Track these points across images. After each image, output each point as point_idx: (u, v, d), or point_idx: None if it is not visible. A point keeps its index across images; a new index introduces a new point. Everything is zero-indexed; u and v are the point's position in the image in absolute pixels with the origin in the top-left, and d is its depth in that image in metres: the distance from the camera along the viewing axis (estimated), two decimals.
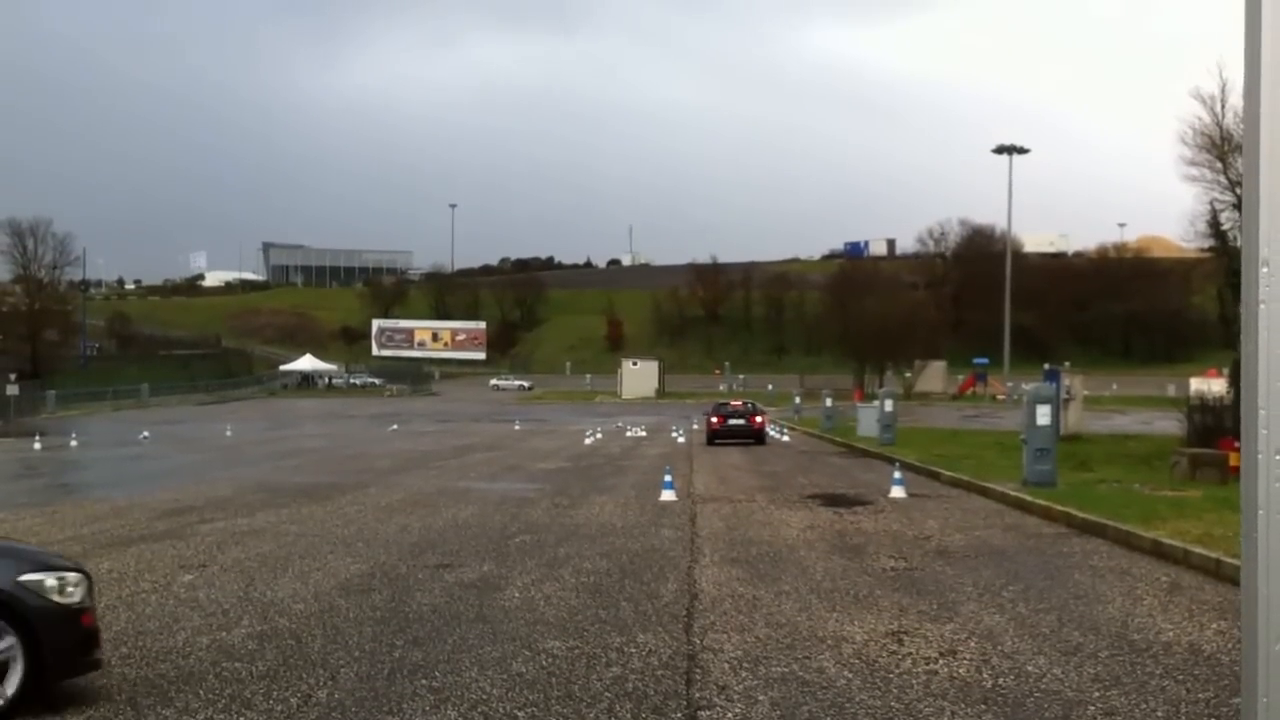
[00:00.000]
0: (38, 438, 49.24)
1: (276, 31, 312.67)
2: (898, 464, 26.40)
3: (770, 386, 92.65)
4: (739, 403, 47.88)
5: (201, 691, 8.57)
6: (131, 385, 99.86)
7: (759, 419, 44.16)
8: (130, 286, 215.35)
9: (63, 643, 8.04)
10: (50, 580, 8.14)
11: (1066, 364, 76.07)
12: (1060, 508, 18.56)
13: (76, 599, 8.24)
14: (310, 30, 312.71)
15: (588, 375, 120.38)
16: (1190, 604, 11.63)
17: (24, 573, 8.06)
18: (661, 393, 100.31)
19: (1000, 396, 79.95)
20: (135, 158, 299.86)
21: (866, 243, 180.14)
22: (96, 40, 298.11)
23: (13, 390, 75.72)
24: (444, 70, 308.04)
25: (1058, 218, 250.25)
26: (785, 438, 45.50)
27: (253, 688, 8.65)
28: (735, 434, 43.11)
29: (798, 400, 65.80)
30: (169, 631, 10.72)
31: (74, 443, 48.54)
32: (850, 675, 8.76)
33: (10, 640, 7.82)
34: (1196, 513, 17.26)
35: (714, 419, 44.39)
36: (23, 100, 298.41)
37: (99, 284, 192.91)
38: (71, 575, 8.30)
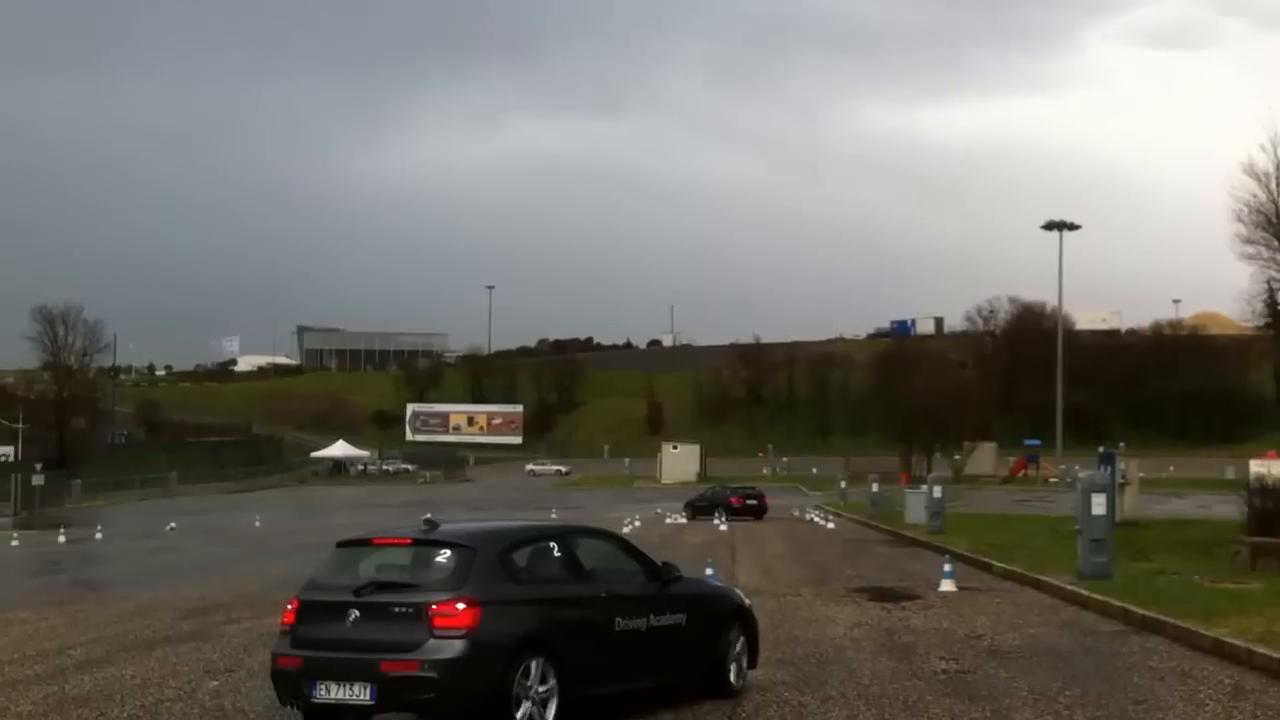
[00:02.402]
0: (62, 530, 49.14)
1: (313, 121, 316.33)
2: (947, 555, 25.64)
3: (815, 469, 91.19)
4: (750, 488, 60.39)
5: None
6: (159, 473, 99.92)
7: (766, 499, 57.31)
8: (161, 372, 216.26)
9: None
10: None
11: (1121, 445, 75.12)
12: (1118, 603, 17.86)
13: None
14: (345, 116, 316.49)
15: (627, 459, 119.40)
16: (1254, 709, 11.13)
17: None
18: (703, 476, 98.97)
19: (1053, 479, 78.39)
20: (167, 244, 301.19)
21: (913, 321, 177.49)
22: (127, 128, 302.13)
23: (38, 480, 75.72)
24: (484, 151, 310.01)
25: (1110, 294, 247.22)
26: (830, 524, 44.81)
27: None
28: (748, 510, 54.63)
29: (843, 484, 64.59)
30: None
31: (99, 535, 48.40)
32: None
33: None
34: (1258, 607, 16.64)
35: (733, 499, 55.93)
36: (53, 185, 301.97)
37: (129, 370, 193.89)
38: None
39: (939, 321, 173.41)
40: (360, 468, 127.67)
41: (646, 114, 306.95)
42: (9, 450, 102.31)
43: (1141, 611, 16.89)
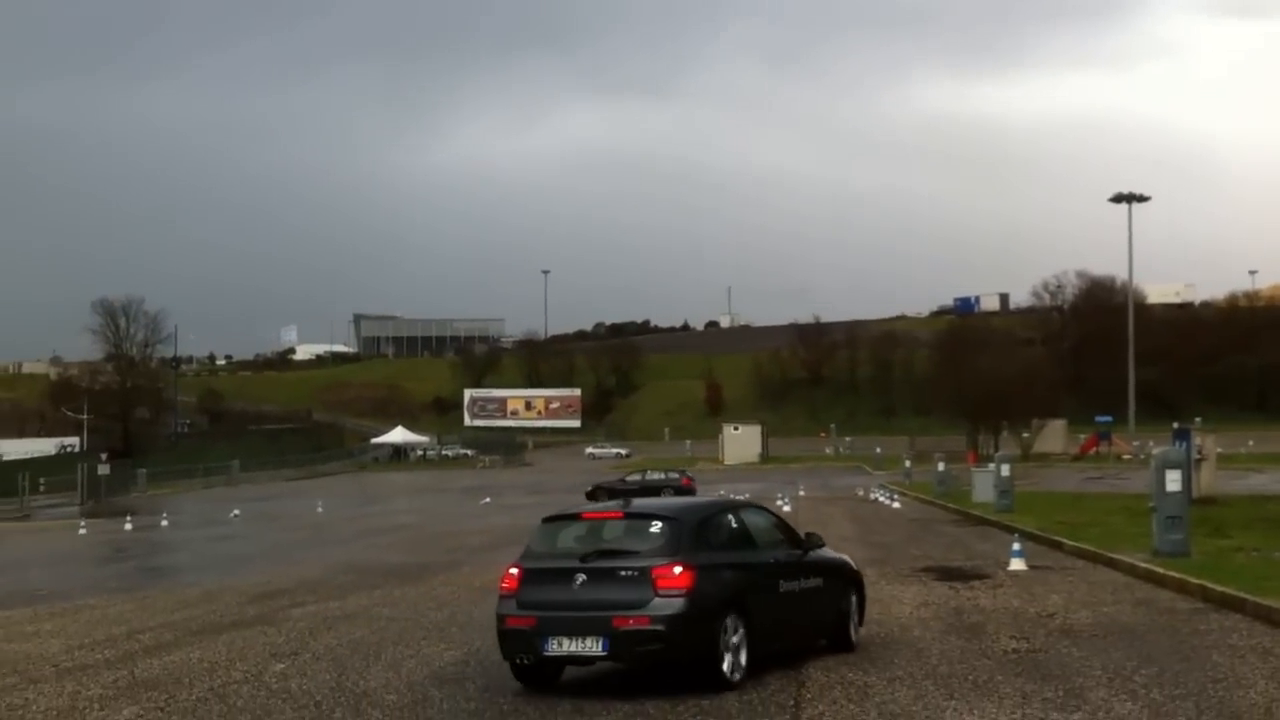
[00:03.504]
0: (128, 518, 49.69)
1: (367, 110, 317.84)
2: (1017, 534, 25.15)
3: (879, 449, 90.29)
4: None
5: None
6: (222, 462, 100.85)
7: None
8: (221, 362, 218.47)
9: None
10: None
11: (1197, 421, 73.60)
12: (1195, 580, 17.47)
13: None
14: (400, 107, 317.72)
15: (687, 441, 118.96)
16: None
17: None
18: (765, 458, 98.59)
19: (1126, 456, 76.66)
20: (227, 234, 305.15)
21: (977, 298, 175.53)
22: (186, 125, 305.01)
23: (104, 470, 76.69)
24: (535, 138, 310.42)
25: (1182, 267, 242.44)
26: (895, 504, 44.27)
27: None
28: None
29: (908, 464, 63.76)
30: None
31: (164, 523, 48.89)
32: None
33: None
34: None
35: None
36: (115, 181, 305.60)
37: (190, 361, 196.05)
38: None
39: (1004, 298, 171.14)
40: (419, 453, 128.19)
41: (699, 97, 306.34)
42: (75, 441, 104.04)
43: (1220, 589, 16.49)
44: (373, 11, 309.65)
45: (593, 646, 11.07)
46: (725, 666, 11.24)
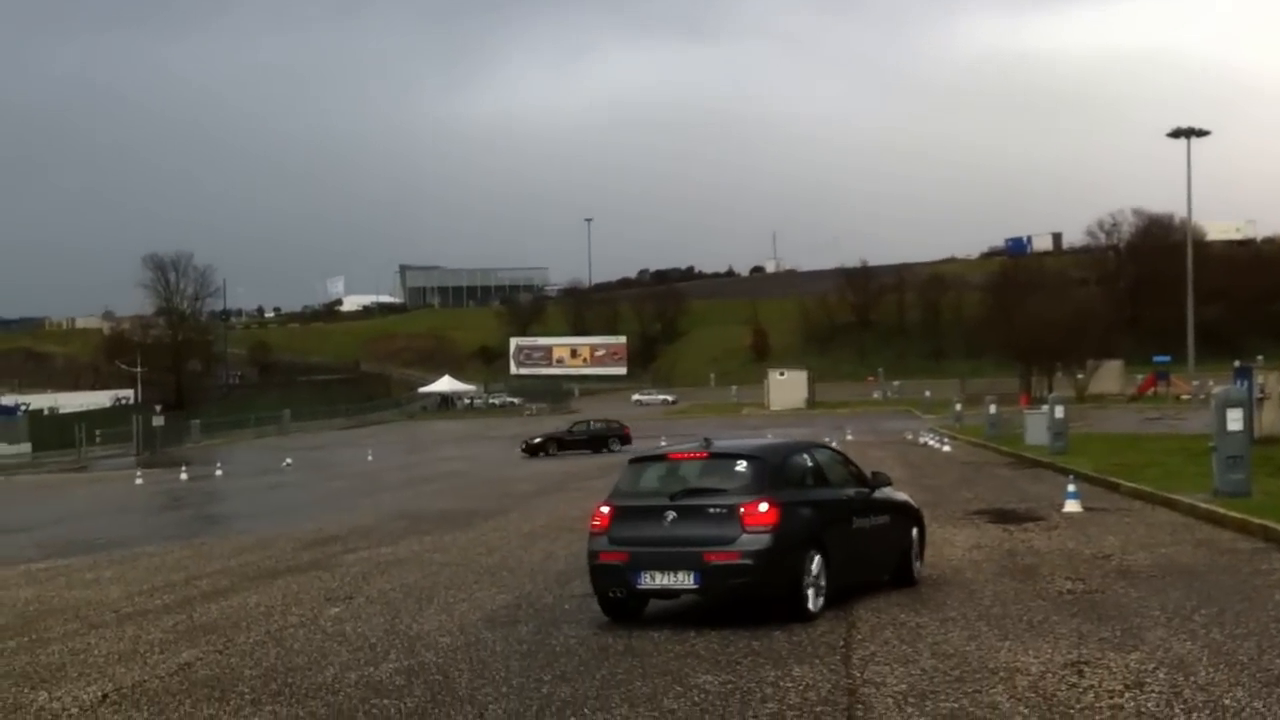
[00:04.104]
0: (183, 468, 50.28)
1: (408, 59, 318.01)
2: (1072, 475, 24.78)
3: (928, 393, 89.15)
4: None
5: None
6: (273, 412, 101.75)
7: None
8: (270, 314, 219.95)
9: None
10: None
11: (1259, 359, 72.24)
12: (1257, 520, 17.16)
13: None
14: (441, 56, 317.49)
15: (733, 387, 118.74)
16: None
17: None
18: (812, 403, 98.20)
19: (1185, 397, 75.08)
20: (271, 188, 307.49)
21: (1029, 238, 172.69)
22: (228, 78, 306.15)
23: (158, 421, 77.61)
24: (575, 84, 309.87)
25: (1242, 204, 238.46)
26: (946, 447, 43.90)
27: None
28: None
29: (958, 407, 62.94)
30: (318, 667, 10.62)
31: (219, 472, 49.46)
32: (1026, 711, 8.19)
33: None
34: None
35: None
36: (160, 137, 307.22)
37: (239, 313, 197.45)
38: None
39: (1057, 238, 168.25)
40: (467, 402, 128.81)
41: (743, 40, 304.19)
42: (129, 394, 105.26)
43: None
44: None
45: (684, 580, 11.57)
46: (808, 599, 11.71)
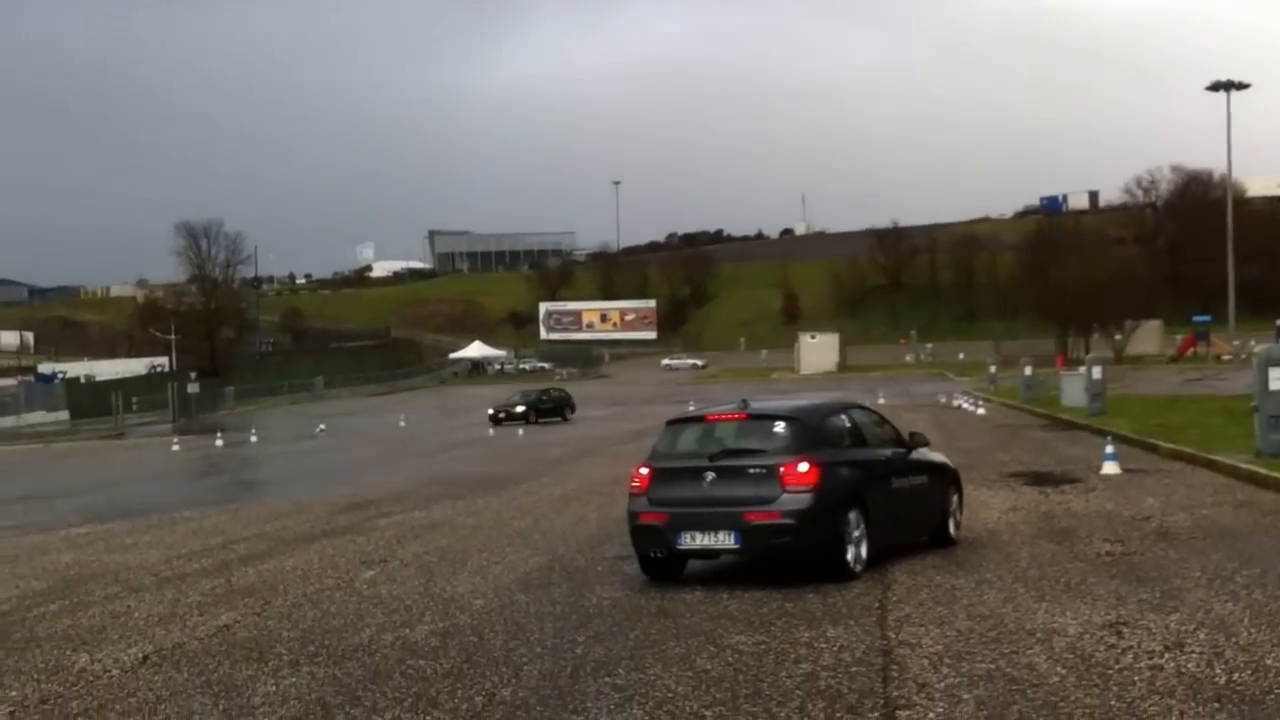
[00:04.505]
0: (219, 435, 50.64)
1: (434, 24, 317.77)
2: (1110, 436, 24.22)
3: (962, 355, 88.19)
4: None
5: (388, 690, 8.48)
6: (305, 379, 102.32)
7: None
8: (301, 281, 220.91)
9: None
10: None
11: None
12: None
13: None
14: (468, 18, 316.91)
15: (763, 351, 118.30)
16: None
17: None
18: (843, 366, 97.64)
19: (1226, 357, 73.83)
20: (300, 154, 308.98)
21: (1065, 196, 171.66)
22: (257, 46, 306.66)
23: (193, 388, 78.14)
24: (603, 46, 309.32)
25: None
26: (980, 410, 43.49)
27: (438, 686, 8.51)
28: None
29: (993, 369, 62.26)
30: (354, 629, 10.69)
31: (253, 439, 49.78)
32: (1064, 672, 8.14)
33: None
34: None
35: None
36: (189, 103, 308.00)
37: (271, 280, 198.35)
38: None
39: (1093, 196, 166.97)
40: (497, 367, 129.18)
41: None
42: (164, 361, 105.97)
43: None
44: None
45: (724, 540, 11.63)
46: (849, 558, 11.75)
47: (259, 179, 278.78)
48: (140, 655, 10.07)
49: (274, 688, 8.72)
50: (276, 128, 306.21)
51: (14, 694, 9.01)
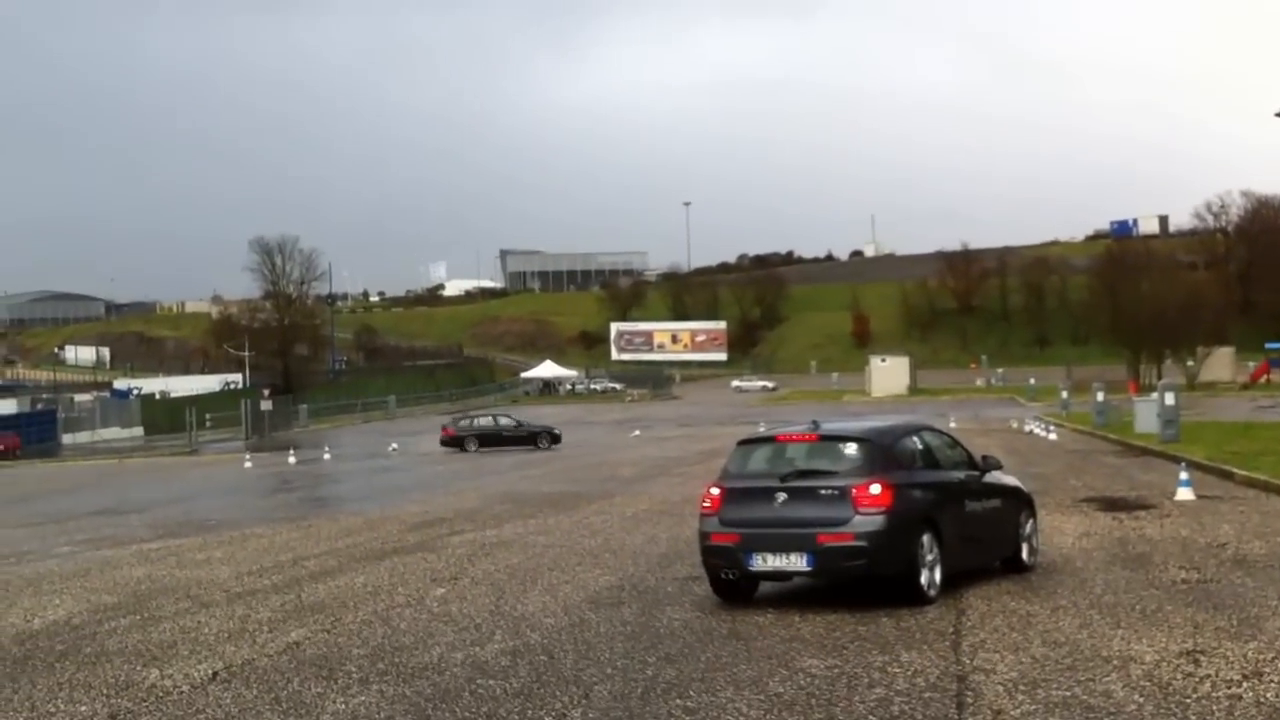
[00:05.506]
0: (291, 452, 51.07)
1: (508, 42, 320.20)
2: (1184, 463, 24.01)
3: (1032, 380, 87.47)
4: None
5: (458, 709, 8.46)
6: (379, 397, 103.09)
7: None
8: (375, 299, 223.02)
9: None
10: None
11: None
12: None
13: None
14: (541, 37, 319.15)
15: (834, 374, 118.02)
16: None
17: None
18: (914, 390, 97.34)
19: None
20: (374, 174, 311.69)
21: (1135, 220, 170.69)
22: (331, 67, 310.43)
23: (266, 405, 78.87)
24: (674, 66, 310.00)
25: None
26: (1052, 435, 43.16)
27: (508, 706, 8.49)
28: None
29: (1064, 394, 61.83)
30: (424, 647, 10.70)
31: (326, 456, 50.14)
32: (1141, 700, 8.00)
33: None
34: None
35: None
36: (266, 125, 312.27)
37: (345, 297, 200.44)
38: None
39: (1164, 220, 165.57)
40: (569, 387, 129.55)
41: (844, 17, 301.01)
42: (238, 377, 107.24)
43: None
44: None
45: (796, 562, 11.52)
46: (923, 582, 11.61)
47: (334, 197, 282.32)
48: (210, 671, 10.13)
49: (343, 706, 8.73)
50: (351, 147, 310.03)
51: (84, 709, 9.09)
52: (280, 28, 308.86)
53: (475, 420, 54.90)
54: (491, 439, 50.99)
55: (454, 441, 51.05)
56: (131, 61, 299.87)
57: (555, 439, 51.65)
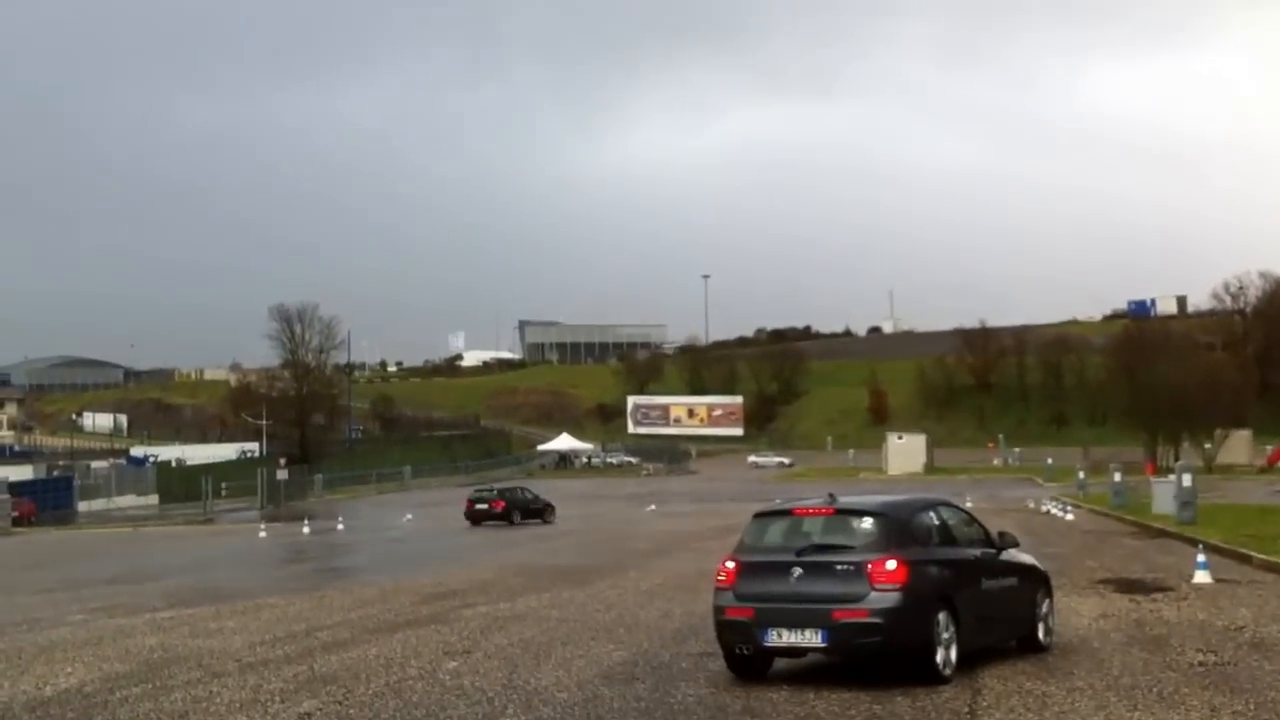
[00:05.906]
0: (306, 522, 51.01)
1: (527, 116, 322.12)
2: (1201, 545, 23.76)
3: (1050, 460, 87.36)
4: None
5: None
6: (394, 468, 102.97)
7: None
8: (392, 368, 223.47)
9: None
10: None
11: None
12: None
13: None
14: (561, 112, 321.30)
15: (851, 450, 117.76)
16: None
17: None
18: (930, 468, 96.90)
19: None
20: (394, 243, 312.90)
21: (1153, 300, 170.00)
22: (350, 138, 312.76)
23: (282, 475, 78.86)
24: (693, 139, 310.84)
25: None
26: (1069, 515, 42.94)
27: None
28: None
29: (1081, 475, 61.52)
30: None
31: (340, 526, 50.10)
32: None
33: None
34: None
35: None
36: (285, 194, 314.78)
37: (363, 367, 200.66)
38: None
39: (1182, 301, 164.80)
40: (584, 460, 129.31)
41: (862, 96, 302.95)
42: (255, 446, 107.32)
43: None
44: (538, 19, 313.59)
45: (811, 638, 11.41)
46: (939, 660, 11.50)
47: (352, 267, 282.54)
48: None
49: None
50: (370, 217, 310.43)
51: None
52: (303, 101, 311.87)
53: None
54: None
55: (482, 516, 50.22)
56: (155, 129, 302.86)
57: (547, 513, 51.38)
